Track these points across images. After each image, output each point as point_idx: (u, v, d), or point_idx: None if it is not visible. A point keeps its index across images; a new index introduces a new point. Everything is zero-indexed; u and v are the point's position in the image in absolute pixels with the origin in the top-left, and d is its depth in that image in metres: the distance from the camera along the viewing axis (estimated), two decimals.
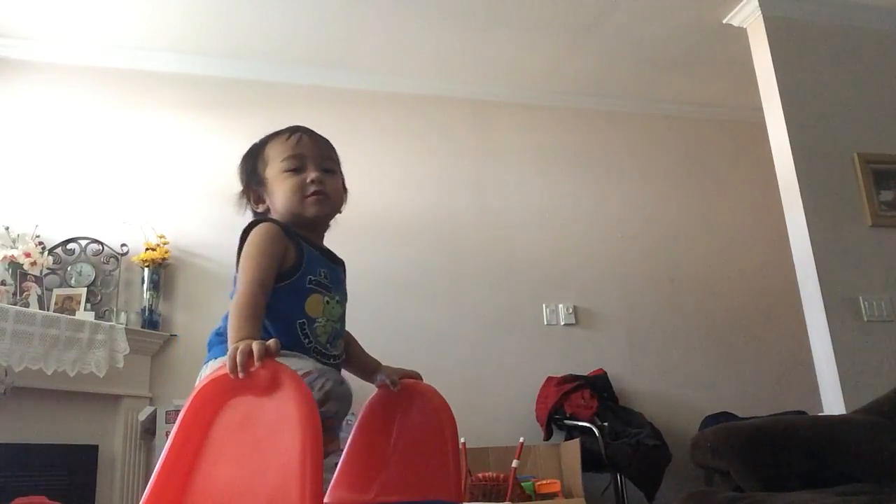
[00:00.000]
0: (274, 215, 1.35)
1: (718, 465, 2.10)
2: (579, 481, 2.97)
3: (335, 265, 1.39)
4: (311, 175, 1.33)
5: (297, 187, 1.32)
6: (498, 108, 4.18)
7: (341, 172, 1.43)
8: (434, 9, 3.45)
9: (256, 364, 0.99)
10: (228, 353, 1.02)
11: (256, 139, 1.43)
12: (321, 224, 1.39)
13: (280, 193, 1.33)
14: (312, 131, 1.41)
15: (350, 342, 1.47)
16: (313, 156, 1.35)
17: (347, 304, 1.44)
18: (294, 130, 1.38)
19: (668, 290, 4.06)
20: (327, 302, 1.29)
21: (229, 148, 3.81)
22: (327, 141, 1.42)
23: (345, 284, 1.41)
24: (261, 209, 1.38)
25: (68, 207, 3.37)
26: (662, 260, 4.11)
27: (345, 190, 1.44)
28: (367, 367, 1.43)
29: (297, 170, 1.34)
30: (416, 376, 1.41)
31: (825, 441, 2.12)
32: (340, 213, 1.43)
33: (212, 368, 1.28)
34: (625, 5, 3.48)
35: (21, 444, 2.74)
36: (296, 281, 1.26)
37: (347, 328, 1.49)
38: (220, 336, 1.29)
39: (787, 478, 1.97)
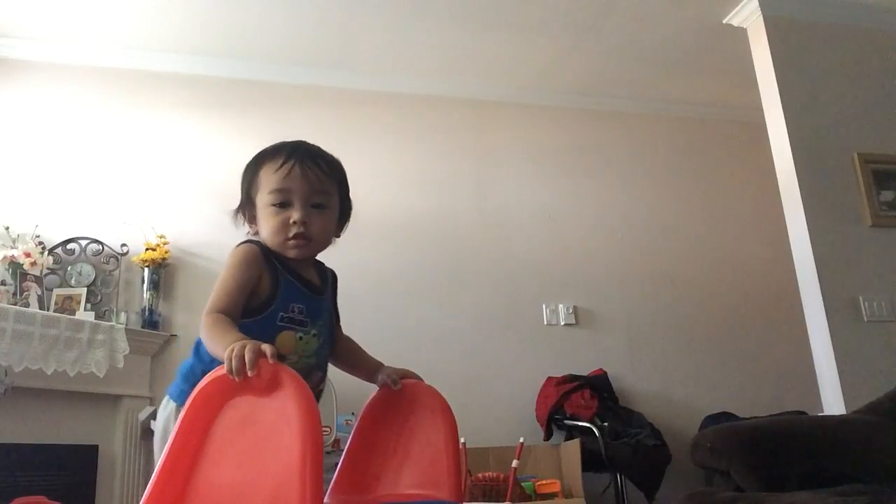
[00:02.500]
0: (262, 240, 1.32)
1: (718, 465, 2.10)
2: (579, 481, 2.97)
3: (318, 295, 1.33)
4: (295, 216, 1.27)
5: (280, 227, 1.27)
6: (498, 108, 4.18)
7: (340, 199, 1.36)
8: (434, 9, 3.45)
9: (250, 373, 0.98)
10: (225, 354, 1.01)
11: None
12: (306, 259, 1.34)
13: (264, 228, 1.30)
14: (309, 157, 1.31)
15: (350, 347, 1.46)
16: (301, 191, 1.28)
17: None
18: (289, 156, 1.30)
19: (669, 290, 4.06)
20: (300, 338, 1.26)
21: (229, 148, 3.85)
22: (326, 165, 1.33)
23: (329, 310, 1.37)
24: (252, 230, 1.35)
25: (68, 207, 3.37)
26: (662, 260, 4.11)
27: (346, 213, 1.39)
28: (368, 368, 1.43)
29: (282, 205, 1.28)
30: (416, 377, 1.40)
31: (825, 441, 2.11)
32: (337, 239, 1.39)
33: (171, 409, 1.29)
34: (625, 5, 3.48)
35: (21, 444, 2.74)
36: (266, 317, 1.23)
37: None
38: (189, 379, 1.27)
39: (787, 478, 1.97)
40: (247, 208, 1.35)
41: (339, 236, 1.40)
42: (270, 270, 1.26)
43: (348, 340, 1.47)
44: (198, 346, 1.30)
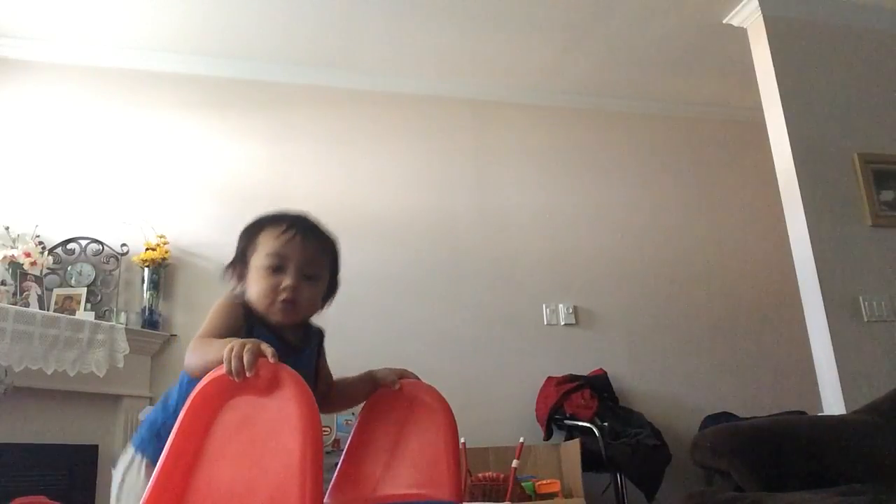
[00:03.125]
0: (247, 299, 1.33)
1: (718, 465, 2.10)
2: (579, 481, 2.97)
3: (299, 353, 1.34)
4: (286, 282, 1.29)
5: (270, 291, 1.29)
6: (498, 108, 4.18)
7: (331, 275, 1.39)
8: (434, 9, 3.45)
9: (249, 374, 0.98)
10: (224, 354, 1.01)
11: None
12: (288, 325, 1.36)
13: (253, 289, 1.31)
14: (310, 229, 1.36)
15: (340, 385, 1.46)
16: (297, 260, 1.31)
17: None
18: (292, 225, 1.34)
19: (668, 290, 4.06)
20: None
21: (229, 148, 3.85)
22: (323, 239, 1.38)
23: (308, 367, 1.37)
24: (238, 289, 1.35)
25: (68, 207, 3.37)
26: (662, 260, 4.11)
27: (333, 289, 1.41)
28: (364, 383, 1.42)
29: (276, 270, 1.30)
30: (413, 375, 1.41)
31: (825, 441, 2.12)
32: (320, 312, 1.40)
33: (136, 467, 1.28)
34: (625, 5, 3.48)
35: (21, 444, 2.74)
36: None
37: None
38: (152, 430, 1.26)
39: (787, 478, 1.97)
40: (239, 267, 1.36)
41: (322, 309, 1.41)
42: (247, 327, 1.27)
43: (335, 383, 1.48)
44: (166, 398, 1.30)
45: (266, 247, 1.32)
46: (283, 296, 1.29)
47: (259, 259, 1.32)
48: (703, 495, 2.00)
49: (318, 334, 1.44)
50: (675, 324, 3.99)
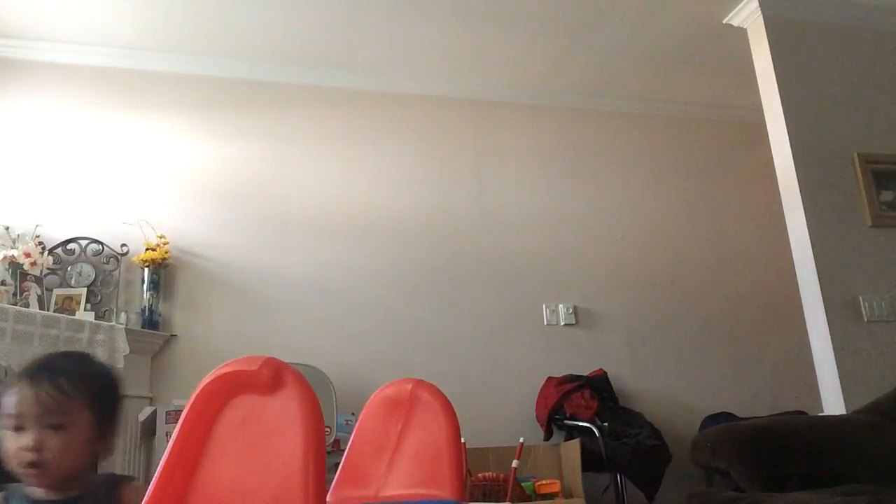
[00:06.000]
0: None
1: (718, 465, 2.11)
2: (579, 481, 2.97)
3: None
4: (23, 441, 1.17)
5: (12, 454, 1.18)
6: (498, 108, 4.19)
7: (99, 409, 1.24)
8: (434, 9, 3.45)
9: None
10: None
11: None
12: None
13: (3, 454, 1.20)
14: (45, 371, 1.22)
15: None
16: (33, 414, 1.18)
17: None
18: (21, 376, 1.22)
19: (669, 290, 4.06)
20: None
21: (230, 148, 3.84)
22: (68, 379, 1.22)
23: None
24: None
25: (68, 207, 3.37)
26: (663, 260, 4.11)
27: (108, 427, 1.25)
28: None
29: (17, 429, 1.18)
30: None
31: (825, 441, 2.12)
32: (103, 457, 1.27)
33: None
34: (625, 5, 3.48)
35: None
36: None
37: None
38: None
39: (787, 478, 1.97)
40: None
41: (101, 454, 1.28)
42: (6, 495, 1.20)
43: None
44: None
45: (3, 407, 1.20)
46: (25, 458, 1.16)
47: (2, 421, 1.21)
48: (703, 495, 2.00)
49: (105, 485, 1.27)
50: (675, 324, 3.99)
